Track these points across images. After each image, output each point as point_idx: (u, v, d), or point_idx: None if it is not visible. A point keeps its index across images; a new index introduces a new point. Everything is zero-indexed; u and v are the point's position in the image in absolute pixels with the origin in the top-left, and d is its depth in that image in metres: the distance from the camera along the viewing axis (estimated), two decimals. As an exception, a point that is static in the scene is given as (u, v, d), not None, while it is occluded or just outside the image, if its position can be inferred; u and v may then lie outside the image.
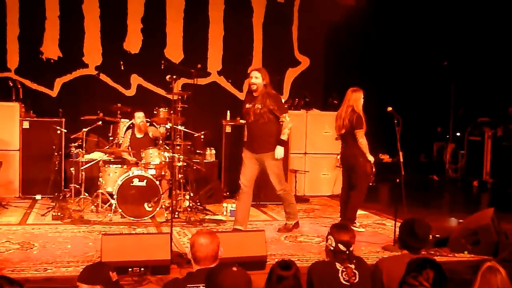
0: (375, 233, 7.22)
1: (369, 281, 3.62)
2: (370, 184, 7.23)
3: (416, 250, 3.84)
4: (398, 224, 6.32)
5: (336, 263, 3.59)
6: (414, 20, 11.69)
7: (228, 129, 9.78)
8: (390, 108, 6.70)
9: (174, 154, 7.43)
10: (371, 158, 7.04)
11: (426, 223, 4.04)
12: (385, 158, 11.70)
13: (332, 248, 3.67)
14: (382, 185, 9.74)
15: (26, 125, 8.91)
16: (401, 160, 6.63)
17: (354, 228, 6.85)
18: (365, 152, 6.99)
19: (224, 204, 8.21)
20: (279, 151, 6.59)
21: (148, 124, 8.50)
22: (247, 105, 6.66)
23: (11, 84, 9.20)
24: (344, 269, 3.55)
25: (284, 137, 6.63)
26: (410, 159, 7.53)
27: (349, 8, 10.88)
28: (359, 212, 8.17)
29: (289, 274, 3.08)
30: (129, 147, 8.30)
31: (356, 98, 7.09)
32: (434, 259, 3.26)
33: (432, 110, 12.77)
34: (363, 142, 7.00)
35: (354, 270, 3.56)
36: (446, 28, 11.99)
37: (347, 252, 3.62)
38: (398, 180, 6.57)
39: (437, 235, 6.49)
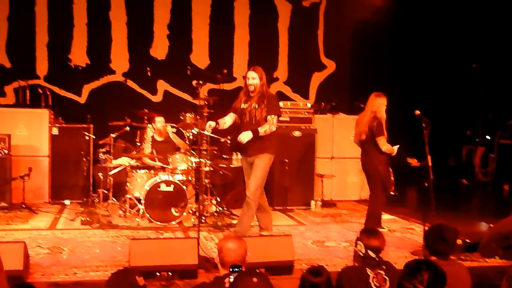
0: (404, 238, 7.14)
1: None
2: (392, 193, 7.06)
3: (445, 256, 3.78)
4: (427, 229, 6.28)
5: (367, 269, 3.55)
6: (442, 22, 11.55)
7: (254, 134, 9.78)
8: (418, 112, 6.62)
9: (200, 159, 7.45)
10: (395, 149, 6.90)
11: (454, 228, 3.98)
12: (413, 162, 11.51)
13: (361, 254, 3.63)
14: (410, 189, 9.62)
15: (55, 131, 9.03)
16: (430, 164, 6.54)
17: None
18: (392, 152, 6.91)
19: (251, 209, 8.18)
20: (246, 134, 6.18)
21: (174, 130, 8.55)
22: (243, 105, 6.40)
23: (41, 91, 9.36)
24: (375, 275, 3.51)
25: (260, 130, 6.24)
26: (439, 163, 7.41)
27: (376, 11, 10.81)
28: (387, 216, 8.11)
29: (321, 280, 3.05)
30: (153, 152, 8.35)
31: (379, 104, 6.96)
32: (430, 261, 3.22)
33: (461, 113, 12.58)
34: (387, 149, 6.88)
35: (384, 276, 3.51)
36: (475, 30, 11.82)
37: (377, 259, 3.57)
38: (426, 184, 6.49)
39: (467, 240, 6.38)
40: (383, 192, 6.98)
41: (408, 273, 3.01)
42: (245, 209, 6.52)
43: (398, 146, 6.96)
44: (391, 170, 6.99)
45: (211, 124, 6.33)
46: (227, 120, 6.48)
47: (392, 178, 6.96)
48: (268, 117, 6.30)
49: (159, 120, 8.30)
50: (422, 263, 3.07)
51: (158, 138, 8.31)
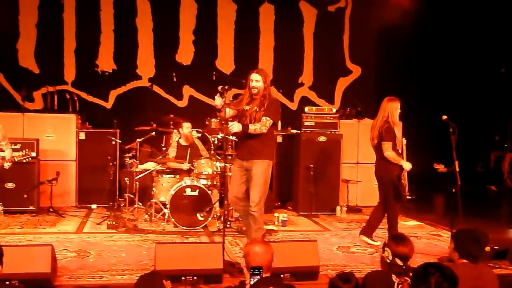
0: (430, 244, 7.05)
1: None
2: (408, 197, 6.71)
3: (476, 259, 3.71)
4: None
5: (392, 275, 3.50)
6: (470, 26, 11.41)
7: (279, 139, 9.77)
8: (445, 117, 6.55)
9: (225, 164, 7.46)
10: (406, 166, 6.60)
11: (484, 231, 3.94)
12: (440, 168, 11.43)
13: (388, 261, 3.58)
14: (437, 195, 9.51)
15: (82, 136, 9.13)
16: (457, 169, 6.46)
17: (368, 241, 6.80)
18: (397, 163, 6.59)
19: (276, 214, 8.19)
20: (236, 125, 5.84)
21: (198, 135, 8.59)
22: (245, 107, 6.10)
23: (68, 97, 9.48)
24: (400, 282, 3.46)
25: (251, 126, 5.92)
26: (467, 169, 7.32)
27: (401, 15, 10.73)
28: (414, 222, 8.02)
29: (350, 287, 3.03)
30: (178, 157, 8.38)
31: (391, 108, 6.72)
32: (436, 262, 3.17)
33: (490, 118, 12.40)
34: (390, 155, 6.59)
35: (410, 284, 3.46)
36: (503, 33, 11.65)
37: (404, 267, 3.52)
38: (454, 190, 6.40)
39: (496, 247, 6.28)
40: (394, 198, 6.74)
41: (415, 279, 2.97)
42: (251, 223, 6.09)
43: (409, 165, 6.63)
44: (405, 175, 6.71)
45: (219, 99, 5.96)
46: (228, 112, 6.10)
47: (405, 183, 6.67)
48: (263, 118, 5.99)
49: (187, 126, 8.33)
50: (429, 266, 3.02)
51: (184, 143, 8.35)
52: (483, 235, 3.84)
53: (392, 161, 6.59)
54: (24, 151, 5.86)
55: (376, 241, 6.91)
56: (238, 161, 6.21)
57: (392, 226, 6.85)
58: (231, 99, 6.29)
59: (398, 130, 6.78)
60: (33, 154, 8.17)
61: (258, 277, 3.22)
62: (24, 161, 5.82)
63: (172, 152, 8.37)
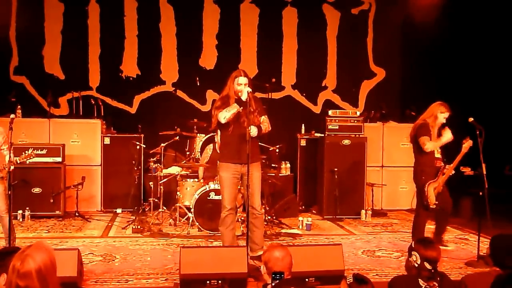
0: (457, 248, 6.95)
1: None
2: (431, 207, 6.54)
3: (509, 269, 3.62)
4: (482, 239, 6.09)
5: (420, 280, 3.45)
6: (498, 26, 11.21)
7: (303, 143, 9.76)
8: (471, 119, 6.46)
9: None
10: (449, 135, 6.49)
11: None
12: (467, 171, 11.26)
13: (416, 265, 3.52)
14: (464, 199, 9.36)
15: (107, 141, 9.22)
16: (484, 172, 6.36)
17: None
18: (442, 143, 6.50)
19: (300, 218, 8.16)
20: (254, 128, 5.69)
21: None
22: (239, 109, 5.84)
23: (93, 102, 9.58)
24: (428, 287, 3.40)
25: (262, 126, 5.87)
26: (494, 171, 7.19)
27: (426, 17, 10.62)
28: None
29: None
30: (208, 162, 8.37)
31: (434, 111, 6.59)
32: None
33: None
34: (428, 147, 6.43)
35: (438, 288, 3.41)
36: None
37: (433, 271, 3.46)
38: (481, 194, 6.30)
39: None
40: (421, 205, 6.63)
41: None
42: (257, 225, 5.98)
43: (449, 134, 6.45)
44: (440, 182, 6.58)
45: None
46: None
47: (433, 191, 6.52)
48: (263, 117, 5.96)
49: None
50: None
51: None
52: None
53: (436, 147, 6.53)
54: (26, 152, 5.86)
55: (447, 246, 6.87)
56: (233, 167, 5.92)
57: (414, 231, 6.71)
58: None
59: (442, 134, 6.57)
60: (54, 160, 8.29)
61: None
62: (27, 161, 5.83)
63: (205, 159, 8.36)
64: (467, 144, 6.56)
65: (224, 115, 5.80)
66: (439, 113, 6.56)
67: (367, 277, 3.16)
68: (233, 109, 5.79)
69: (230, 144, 5.95)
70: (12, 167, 5.61)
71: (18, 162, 5.71)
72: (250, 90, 5.76)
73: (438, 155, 6.71)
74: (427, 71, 10.89)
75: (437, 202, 6.55)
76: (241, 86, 5.84)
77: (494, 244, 3.82)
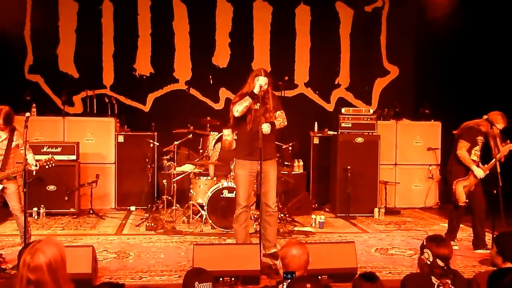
0: (471, 247, 6.90)
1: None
2: (461, 204, 6.58)
3: None
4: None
5: (432, 277, 3.44)
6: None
7: (316, 141, 9.76)
8: (485, 117, 6.43)
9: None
10: (478, 172, 6.45)
11: None
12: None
13: (428, 262, 3.52)
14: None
15: (121, 139, 9.27)
16: (499, 170, 6.33)
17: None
18: (468, 165, 6.47)
19: (313, 216, 8.16)
20: (267, 125, 5.69)
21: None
22: (255, 106, 5.85)
23: (107, 100, 9.64)
24: (441, 284, 3.40)
25: (276, 122, 5.88)
26: (510, 170, 7.15)
27: (440, 14, 10.55)
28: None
29: (375, 286, 3.01)
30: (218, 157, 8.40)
31: (495, 120, 6.41)
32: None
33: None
34: (460, 154, 6.50)
35: (451, 286, 3.40)
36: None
37: (446, 268, 3.46)
38: (495, 192, 6.27)
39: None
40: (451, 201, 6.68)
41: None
42: (271, 222, 6.02)
43: (481, 173, 6.47)
44: (472, 181, 6.54)
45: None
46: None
47: (462, 189, 6.52)
48: (278, 112, 5.96)
49: (226, 133, 8.23)
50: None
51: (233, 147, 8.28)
52: None
53: (463, 161, 6.50)
54: (48, 155, 5.93)
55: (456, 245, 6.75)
56: (249, 164, 5.95)
57: (448, 225, 6.94)
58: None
59: (494, 142, 6.48)
60: (69, 158, 8.36)
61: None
62: (47, 166, 5.87)
63: (214, 157, 8.38)
64: (507, 147, 6.51)
65: (237, 109, 5.84)
66: (496, 122, 6.42)
67: (375, 274, 3.15)
68: (245, 102, 5.81)
69: (245, 141, 5.98)
70: (33, 167, 5.66)
71: (39, 165, 5.74)
72: (263, 83, 5.77)
73: (474, 157, 6.56)
74: (441, 69, 10.84)
75: (467, 201, 6.55)
76: (263, 86, 5.82)
77: (501, 242, 3.80)
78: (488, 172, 6.49)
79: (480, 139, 6.53)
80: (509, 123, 6.45)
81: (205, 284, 3.14)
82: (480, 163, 6.56)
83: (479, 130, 6.51)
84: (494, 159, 6.41)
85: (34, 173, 5.86)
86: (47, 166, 5.88)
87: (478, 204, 6.64)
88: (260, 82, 5.80)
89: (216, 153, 8.47)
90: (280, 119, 5.97)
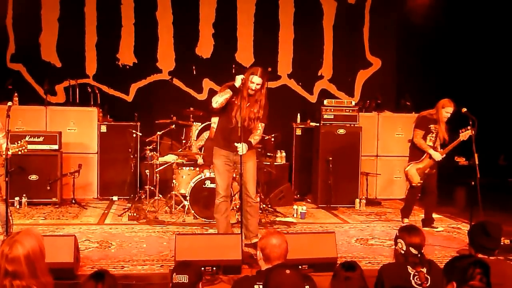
0: (450, 237, 7.04)
1: (442, 285, 3.53)
2: (413, 184, 7.29)
3: (490, 252, 3.69)
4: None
5: (408, 267, 3.52)
6: (492, 17, 11.24)
7: (298, 132, 9.82)
8: (464, 109, 6.55)
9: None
10: (436, 156, 7.14)
11: (497, 222, 3.91)
12: (461, 160, 11.35)
13: (402, 252, 3.60)
14: (458, 188, 9.47)
15: (103, 129, 9.26)
16: (477, 162, 6.44)
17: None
18: (425, 150, 7.16)
19: (295, 206, 8.23)
20: (244, 146, 5.73)
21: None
22: (246, 104, 5.87)
23: (90, 90, 9.60)
24: (416, 273, 3.48)
25: (253, 142, 5.94)
26: (489, 162, 7.29)
27: (422, 7, 10.64)
28: (433, 215, 8.04)
29: (353, 275, 3.07)
30: (202, 148, 8.42)
31: (440, 106, 7.13)
32: (473, 256, 3.17)
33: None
34: (416, 141, 7.20)
35: (426, 275, 3.48)
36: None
37: (419, 255, 3.54)
38: (473, 183, 6.38)
39: (516, 241, 6.26)
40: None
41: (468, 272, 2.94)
42: (252, 213, 6.07)
43: (438, 155, 7.15)
44: (427, 163, 7.20)
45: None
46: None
47: (415, 171, 7.23)
48: (259, 125, 6.00)
49: (215, 121, 8.27)
50: (477, 262, 3.00)
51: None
52: (495, 226, 3.79)
53: (420, 148, 7.19)
54: (19, 142, 5.88)
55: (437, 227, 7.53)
56: (224, 154, 6.02)
57: (403, 208, 7.74)
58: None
59: (441, 128, 7.18)
60: (51, 147, 8.34)
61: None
62: (20, 153, 5.84)
63: (198, 142, 8.40)
64: (466, 133, 6.89)
65: (216, 100, 5.87)
66: (442, 108, 7.07)
67: (356, 263, 3.21)
68: (226, 94, 5.84)
69: (223, 131, 6.04)
70: (10, 152, 5.62)
71: (11, 152, 5.66)
72: (243, 77, 5.80)
73: (430, 143, 7.21)
74: (422, 61, 10.96)
75: (421, 182, 7.22)
76: (253, 84, 5.83)
77: (471, 231, 3.90)
78: (444, 155, 7.16)
79: (433, 126, 7.17)
80: (456, 107, 7.02)
81: (181, 276, 3.17)
82: (439, 147, 7.20)
83: (432, 118, 7.15)
84: (453, 142, 7.06)
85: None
86: (19, 153, 5.84)
87: (431, 187, 7.35)
88: (254, 81, 5.80)
89: (201, 141, 8.48)
90: (258, 137, 6.01)
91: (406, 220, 7.58)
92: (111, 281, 2.86)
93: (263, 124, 6.06)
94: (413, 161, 7.27)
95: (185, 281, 3.16)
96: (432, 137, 7.22)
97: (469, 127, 6.82)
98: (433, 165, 7.23)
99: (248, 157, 5.94)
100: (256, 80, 5.82)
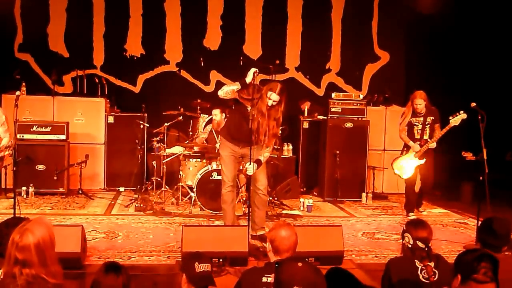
0: (457, 232, 7.02)
1: (449, 279, 3.51)
2: (402, 177, 7.78)
3: (497, 249, 3.66)
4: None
5: (415, 261, 3.51)
6: (503, 10, 11.14)
7: (305, 125, 9.80)
8: (473, 104, 6.50)
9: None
10: (414, 148, 7.57)
11: (506, 219, 3.87)
12: (468, 156, 11.27)
13: (410, 246, 3.59)
14: (465, 183, 9.43)
15: (111, 120, 9.26)
16: (485, 157, 6.41)
17: None
18: (406, 143, 7.68)
19: (301, 199, 8.23)
20: (253, 166, 5.75)
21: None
22: (264, 109, 5.82)
23: (97, 81, 9.60)
24: (424, 267, 3.46)
25: (262, 160, 5.93)
26: (496, 157, 7.25)
27: (432, 0, 10.58)
28: (440, 210, 8.04)
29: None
30: (206, 141, 8.41)
31: (412, 98, 7.65)
32: (479, 249, 3.15)
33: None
34: (400, 136, 7.77)
35: (434, 269, 3.46)
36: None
37: (426, 249, 3.53)
38: (481, 179, 6.35)
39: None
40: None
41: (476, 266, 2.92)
42: (259, 205, 6.11)
43: (416, 147, 7.55)
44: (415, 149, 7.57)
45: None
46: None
47: (397, 165, 7.77)
48: (270, 143, 5.99)
49: (215, 113, 8.30)
50: (483, 255, 2.98)
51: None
52: (503, 224, 3.76)
53: (404, 142, 7.70)
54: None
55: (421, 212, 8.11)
56: (232, 147, 6.07)
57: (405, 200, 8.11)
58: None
59: (417, 119, 7.62)
60: (58, 137, 8.36)
61: None
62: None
63: (202, 136, 8.40)
64: (456, 119, 7.15)
65: (223, 89, 5.90)
66: (411, 101, 7.64)
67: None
68: (234, 85, 5.85)
69: (233, 126, 6.06)
70: (7, 153, 5.63)
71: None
72: (256, 70, 5.73)
73: (418, 136, 7.61)
74: (431, 56, 10.88)
75: (411, 174, 7.63)
76: (270, 101, 5.78)
77: (479, 228, 3.89)
78: (433, 144, 7.46)
79: (414, 120, 7.60)
80: (427, 99, 7.53)
81: (204, 264, 3.20)
82: (429, 140, 7.48)
83: (404, 112, 7.72)
84: (443, 129, 7.31)
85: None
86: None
87: (425, 174, 7.73)
88: (271, 98, 5.74)
89: (205, 134, 8.49)
90: (268, 153, 6.01)
91: (411, 214, 7.69)
92: (127, 272, 2.85)
93: (273, 141, 6.07)
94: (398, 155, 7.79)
95: (209, 269, 3.20)
96: (419, 130, 7.57)
97: (461, 111, 7.05)
98: (422, 155, 7.52)
99: (259, 149, 5.97)
100: (273, 98, 5.78)
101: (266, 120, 5.85)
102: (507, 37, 11.23)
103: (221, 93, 5.90)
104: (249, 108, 5.83)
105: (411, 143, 7.57)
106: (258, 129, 5.84)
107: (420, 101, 7.46)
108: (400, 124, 7.77)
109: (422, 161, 7.55)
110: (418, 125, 7.58)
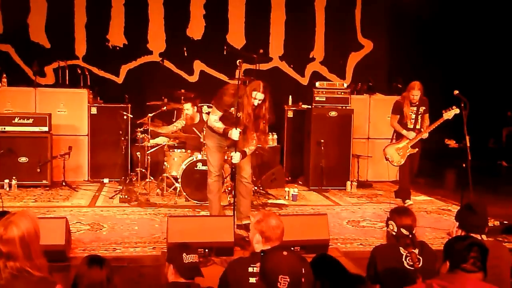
0: (440, 219, 7.08)
1: (434, 266, 3.54)
2: (394, 164, 7.74)
3: (479, 229, 3.67)
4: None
5: (400, 248, 3.54)
6: (485, 1, 11.23)
7: (290, 114, 9.79)
8: (456, 92, 6.55)
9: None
10: (409, 135, 7.53)
11: (481, 200, 3.93)
12: (452, 143, 11.42)
13: (394, 233, 3.61)
14: (448, 170, 9.52)
15: (94, 111, 9.18)
16: (468, 145, 6.46)
17: None
18: (399, 131, 7.59)
19: (286, 189, 8.25)
20: (237, 155, 5.83)
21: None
22: (250, 111, 5.83)
23: (79, 72, 9.50)
24: (408, 254, 3.49)
25: (248, 152, 5.98)
26: (478, 144, 7.34)
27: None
28: (424, 197, 8.10)
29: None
30: (182, 130, 8.34)
31: (408, 88, 7.54)
32: (470, 236, 3.17)
33: (502, 94, 12.28)
34: (392, 125, 7.71)
35: (418, 256, 3.49)
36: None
37: (410, 236, 3.55)
38: (464, 165, 6.41)
39: (505, 222, 6.31)
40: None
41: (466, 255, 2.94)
42: (244, 194, 6.13)
43: (412, 134, 7.51)
44: (404, 145, 7.58)
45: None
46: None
47: (394, 150, 7.65)
48: (256, 136, 5.99)
49: (187, 108, 8.25)
50: (473, 243, 3.00)
51: (190, 122, 8.27)
52: (480, 204, 3.80)
53: (397, 131, 7.65)
54: None
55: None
56: (217, 138, 6.10)
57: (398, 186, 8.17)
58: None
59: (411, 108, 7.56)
60: (41, 129, 8.29)
61: None
62: None
63: (179, 123, 8.34)
64: (449, 113, 7.11)
65: (214, 125, 5.98)
66: (408, 92, 7.49)
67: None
68: (219, 129, 5.93)
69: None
70: None
71: None
72: (240, 131, 5.82)
73: (411, 125, 7.54)
74: (415, 44, 10.93)
75: (402, 161, 7.58)
76: (256, 100, 5.80)
77: (458, 214, 3.87)
78: (426, 134, 7.49)
79: (407, 109, 7.53)
80: (425, 91, 7.51)
81: (192, 255, 3.21)
82: (423, 129, 7.50)
83: (400, 102, 7.60)
84: (436, 121, 7.31)
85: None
86: None
87: (409, 165, 7.64)
88: (257, 97, 5.78)
89: (175, 128, 8.36)
90: (253, 147, 6.05)
91: (408, 201, 7.76)
92: (110, 265, 2.85)
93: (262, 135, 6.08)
94: (391, 142, 7.75)
95: (196, 260, 3.23)
96: (412, 119, 7.54)
97: (454, 106, 7.03)
98: (414, 144, 7.53)
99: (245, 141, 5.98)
100: (259, 97, 5.79)
101: (253, 121, 5.87)
102: (491, 25, 11.33)
103: (210, 124, 6.05)
104: (232, 110, 5.88)
105: (404, 131, 7.54)
106: (247, 131, 5.90)
107: (417, 92, 7.40)
108: (392, 114, 7.74)
109: (415, 150, 7.56)
110: (411, 115, 7.56)
